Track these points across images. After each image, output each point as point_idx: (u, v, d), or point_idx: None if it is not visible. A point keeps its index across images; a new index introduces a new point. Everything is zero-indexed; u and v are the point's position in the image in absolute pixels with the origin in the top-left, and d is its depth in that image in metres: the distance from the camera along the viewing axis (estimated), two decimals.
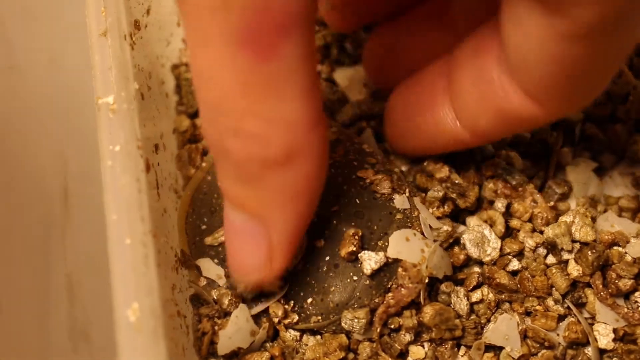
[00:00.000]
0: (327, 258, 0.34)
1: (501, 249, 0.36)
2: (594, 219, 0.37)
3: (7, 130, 0.42)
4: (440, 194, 0.36)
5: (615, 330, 0.34)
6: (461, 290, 0.35)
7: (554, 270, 0.35)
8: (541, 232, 0.36)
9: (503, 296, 0.35)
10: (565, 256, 0.36)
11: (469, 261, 0.36)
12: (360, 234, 0.34)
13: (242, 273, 0.32)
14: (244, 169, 0.28)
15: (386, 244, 0.34)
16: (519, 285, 0.35)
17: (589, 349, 0.34)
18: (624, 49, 0.29)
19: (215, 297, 0.34)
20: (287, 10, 0.25)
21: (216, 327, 0.33)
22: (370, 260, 0.33)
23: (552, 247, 0.36)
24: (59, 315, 0.39)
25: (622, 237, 0.36)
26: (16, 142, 0.42)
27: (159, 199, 0.34)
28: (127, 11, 0.35)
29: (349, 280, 0.33)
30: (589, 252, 0.35)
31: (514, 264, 0.36)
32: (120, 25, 0.33)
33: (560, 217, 0.36)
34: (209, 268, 0.35)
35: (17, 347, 0.38)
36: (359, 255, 0.33)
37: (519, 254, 0.36)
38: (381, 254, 0.33)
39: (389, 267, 0.33)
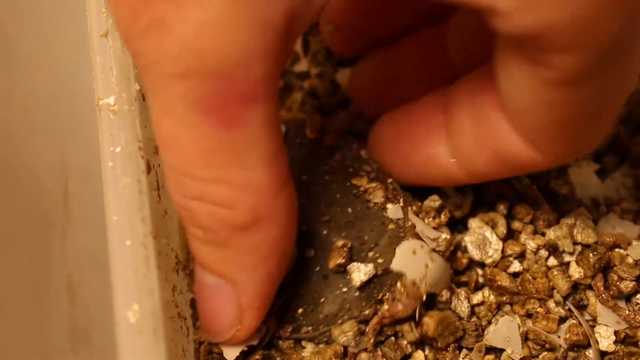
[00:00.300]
0: (317, 269, 0.33)
1: (503, 251, 0.36)
2: (595, 221, 0.37)
3: (7, 131, 0.42)
4: (437, 203, 0.35)
5: (616, 333, 0.34)
6: (462, 292, 0.35)
7: (555, 272, 0.35)
8: (543, 234, 0.36)
9: (504, 298, 0.35)
10: (567, 258, 0.36)
11: (471, 263, 0.36)
12: (349, 245, 0.33)
13: (213, 331, 0.32)
14: (210, 232, 0.28)
15: (377, 254, 0.33)
16: (520, 287, 0.35)
17: (590, 351, 0.34)
18: (619, 91, 0.28)
19: None
20: (249, 79, 0.25)
21: None
22: (359, 272, 0.33)
23: (553, 249, 0.36)
24: (59, 315, 0.39)
25: (624, 239, 0.36)
26: (16, 143, 0.42)
27: (159, 201, 0.34)
28: None
29: (338, 291, 0.33)
30: (591, 254, 0.35)
31: (515, 266, 0.36)
32: None
33: (561, 219, 0.36)
34: None
35: (17, 347, 0.38)
36: (348, 267, 0.33)
37: (521, 256, 0.36)
38: (370, 265, 0.33)
39: (379, 278, 0.33)
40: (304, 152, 0.36)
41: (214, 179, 0.27)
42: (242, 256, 0.29)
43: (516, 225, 0.37)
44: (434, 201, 0.35)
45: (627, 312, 0.35)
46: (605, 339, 0.34)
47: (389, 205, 0.34)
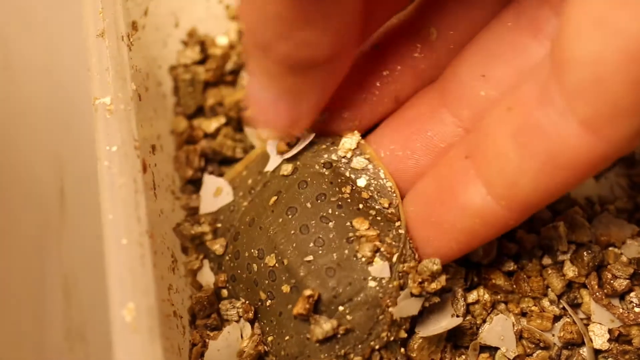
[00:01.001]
0: (289, 306, 0.32)
1: (498, 250, 0.36)
2: (589, 220, 0.37)
3: (3, 131, 0.42)
4: (436, 267, 0.32)
5: (610, 331, 0.34)
6: (459, 291, 0.35)
7: (549, 271, 0.35)
8: (537, 233, 0.36)
9: (499, 297, 0.35)
10: (561, 257, 0.36)
11: (467, 263, 0.36)
12: (316, 297, 0.31)
13: (265, 125, 0.32)
14: (289, 62, 0.29)
15: (347, 311, 0.32)
16: (514, 286, 0.35)
17: (584, 349, 0.34)
18: None
19: (220, 306, 0.34)
20: None
21: (207, 340, 0.34)
22: (320, 327, 0.31)
23: (547, 248, 0.36)
24: (55, 315, 0.39)
25: (618, 238, 0.36)
26: (12, 142, 0.42)
27: (155, 200, 0.34)
28: (125, 12, 0.35)
29: (301, 336, 0.32)
30: (585, 253, 0.35)
31: (510, 265, 0.36)
32: (117, 26, 0.33)
33: (556, 218, 0.36)
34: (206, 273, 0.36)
35: (13, 347, 0.38)
36: (310, 318, 0.32)
37: (515, 255, 0.36)
38: (334, 322, 0.31)
39: (344, 336, 0.32)
40: (324, 172, 0.34)
41: (307, 23, 0.28)
42: (310, 80, 0.31)
43: None
44: (434, 264, 0.32)
45: (620, 310, 0.35)
46: (599, 337, 0.34)
47: (377, 261, 0.32)
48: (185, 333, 0.34)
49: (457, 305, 0.34)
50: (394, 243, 0.32)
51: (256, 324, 0.34)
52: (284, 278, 0.33)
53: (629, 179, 0.39)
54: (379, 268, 0.32)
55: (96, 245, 0.30)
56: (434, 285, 0.32)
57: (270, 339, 0.33)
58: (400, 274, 0.32)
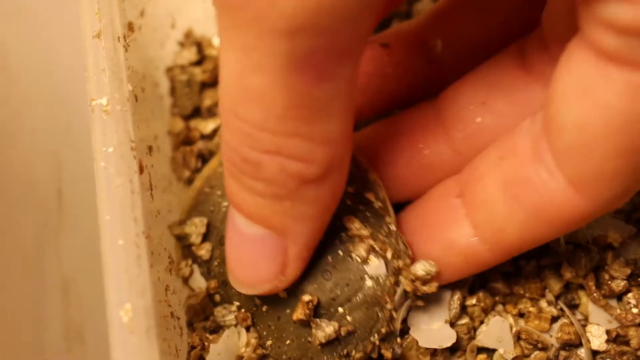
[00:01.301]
0: (288, 311, 0.32)
1: None
2: None
3: (1, 132, 0.42)
4: (433, 270, 0.32)
5: (608, 332, 0.34)
6: (456, 293, 0.35)
7: (547, 272, 0.35)
8: None
9: (497, 298, 0.35)
10: (558, 258, 0.36)
11: None
12: (315, 302, 0.32)
13: (249, 284, 0.31)
14: (276, 185, 0.28)
15: (346, 312, 0.32)
16: (512, 287, 0.35)
17: (582, 350, 0.34)
18: None
19: (215, 313, 0.34)
20: (354, 34, 0.25)
21: (206, 343, 0.33)
22: (322, 331, 0.32)
23: (545, 248, 0.36)
24: (53, 316, 0.39)
25: (616, 239, 0.36)
26: (10, 143, 0.42)
27: (152, 201, 0.34)
28: (121, 13, 0.35)
29: (303, 339, 0.32)
30: (582, 254, 0.35)
31: (507, 266, 0.36)
32: (114, 27, 0.33)
33: None
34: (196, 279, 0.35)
35: (11, 347, 0.38)
36: (311, 322, 0.32)
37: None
38: (335, 325, 0.31)
39: (346, 337, 0.32)
40: None
41: (294, 133, 0.26)
42: (303, 208, 0.29)
43: None
44: (430, 265, 0.32)
45: (618, 311, 0.35)
46: (596, 338, 0.34)
47: (372, 259, 0.32)
48: (183, 334, 0.34)
49: (451, 306, 0.34)
50: (386, 240, 0.32)
51: (252, 328, 0.34)
52: None
53: None
54: (375, 266, 0.32)
55: (94, 245, 0.30)
56: (426, 288, 0.32)
57: (269, 343, 0.33)
58: (395, 270, 0.32)
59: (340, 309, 0.32)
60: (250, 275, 0.31)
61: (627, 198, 0.28)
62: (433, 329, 0.34)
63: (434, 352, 0.34)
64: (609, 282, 0.35)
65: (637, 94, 0.25)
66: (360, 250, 0.32)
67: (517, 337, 0.35)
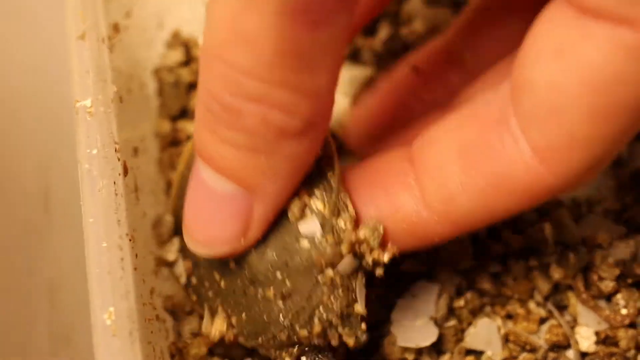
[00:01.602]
0: (238, 281, 0.30)
1: (483, 252, 0.36)
2: (576, 221, 0.37)
3: None
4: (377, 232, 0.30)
5: (597, 333, 0.34)
6: (444, 293, 0.35)
7: (535, 273, 0.35)
8: (523, 234, 0.36)
9: (485, 299, 0.35)
10: (547, 258, 0.35)
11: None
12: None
13: (206, 243, 0.29)
14: (254, 136, 0.26)
15: (285, 276, 0.29)
16: (500, 289, 0.35)
17: (571, 351, 0.34)
18: None
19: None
20: None
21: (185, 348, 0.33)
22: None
23: (534, 249, 0.36)
24: (39, 318, 0.38)
25: (605, 240, 0.36)
26: None
27: (138, 202, 0.34)
28: (107, 14, 0.35)
29: (252, 311, 0.30)
30: (571, 255, 0.35)
31: (496, 267, 0.36)
32: (98, 29, 0.33)
33: (542, 219, 0.36)
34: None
35: None
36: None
37: (501, 256, 0.36)
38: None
39: (285, 304, 0.30)
40: None
41: (281, 82, 0.25)
42: (278, 164, 0.27)
43: (497, 225, 0.36)
44: (376, 227, 0.29)
45: (607, 312, 0.35)
46: (585, 339, 0.34)
47: (306, 216, 0.29)
48: (169, 337, 0.34)
49: (439, 307, 0.34)
50: (324, 194, 0.30)
51: (220, 308, 0.32)
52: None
53: (617, 179, 0.39)
54: (309, 225, 0.29)
55: (81, 248, 0.29)
56: (376, 256, 0.29)
57: (234, 319, 0.31)
58: (334, 230, 0.29)
59: (279, 274, 0.29)
60: (209, 234, 0.29)
61: (595, 173, 0.27)
62: (416, 325, 0.33)
63: (419, 350, 0.33)
64: (598, 283, 0.35)
65: (619, 52, 0.24)
66: (294, 208, 0.29)
67: (506, 339, 0.34)
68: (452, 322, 0.34)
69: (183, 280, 0.34)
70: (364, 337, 0.30)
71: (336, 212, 0.29)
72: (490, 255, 0.36)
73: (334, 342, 0.30)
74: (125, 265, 0.29)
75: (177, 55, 0.41)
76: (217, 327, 0.32)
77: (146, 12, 0.41)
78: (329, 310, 0.30)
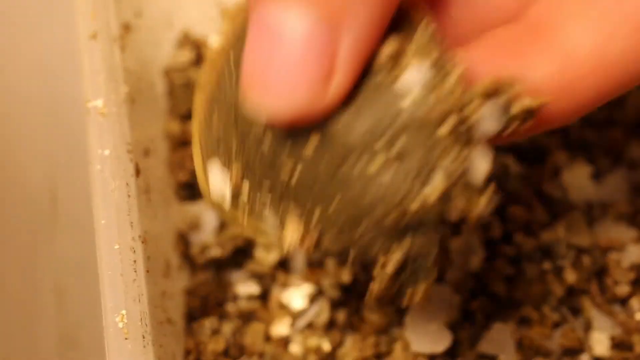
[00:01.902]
0: (321, 167, 0.24)
1: (496, 254, 0.35)
2: (589, 225, 0.36)
3: None
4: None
5: (611, 337, 0.34)
6: (457, 297, 0.34)
7: (549, 276, 0.35)
8: (537, 237, 0.36)
9: (498, 303, 0.35)
10: (561, 262, 0.35)
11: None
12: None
13: (278, 94, 0.22)
14: None
15: (387, 146, 0.23)
16: (514, 292, 0.35)
17: (585, 356, 0.34)
18: None
19: None
20: None
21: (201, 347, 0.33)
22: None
23: (547, 252, 0.35)
24: (47, 321, 0.38)
25: (619, 243, 0.36)
26: (3, 146, 0.41)
27: (149, 204, 0.33)
28: (118, 14, 0.34)
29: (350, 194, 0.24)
30: (585, 258, 0.35)
31: (509, 270, 0.35)
32: (109, 28, 0.33)
33: (555, 222, 0.36)
34: None
35: (3, 353, 0.37)
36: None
37: (515, 260, 0.36)
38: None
39: (396, 172, 0.23)
40: None
41: None
42: None
43: (510, 226, 0.36)
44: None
45: (622, 316, 0.34)
46: (600, 343, 0.34)
47: (403, 70, 0.23)
48: (180, 340, 0.34)
49: (452, 311, 0.34)
50: (423, 42, 0.23)
51: (292, 211, 0.25)
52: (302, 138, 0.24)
53: (630, 182, 0.38)
54: (408, 78, 0.23)
55: (89, 250, 0.29)
56: (526, 103, 0.23)
57: (316, 217, 0.25)
58: (441, 78, 0.23)
59: (381, 140, 0.23)
60: (283, 79, 0.22)
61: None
62: (430, 329, 0.33)
63: (432, 356, 0.33)
64: (613, 287, 0.35)
65: None
66: (386, 53, 0.23)
67: (519, 344, 0.34)
68: (465, 326, 0.34)
69: (228, 197, 0.26)
70: (488, 206, 0.24)
71: (440, 63, 0.23)
72: (502, 258, 0.36)
73: (455, 213, 0.24)
74: (138, 267, 0.28)
75: (187, 55, 0.41)
76: (290, 233, 0.25)
77: (155, 12, 0.41)
78: (448, 172, 0.23)
